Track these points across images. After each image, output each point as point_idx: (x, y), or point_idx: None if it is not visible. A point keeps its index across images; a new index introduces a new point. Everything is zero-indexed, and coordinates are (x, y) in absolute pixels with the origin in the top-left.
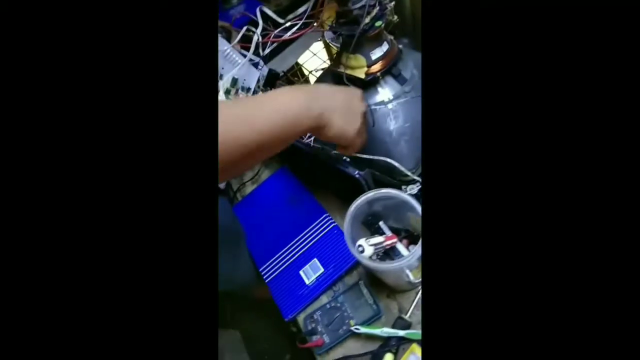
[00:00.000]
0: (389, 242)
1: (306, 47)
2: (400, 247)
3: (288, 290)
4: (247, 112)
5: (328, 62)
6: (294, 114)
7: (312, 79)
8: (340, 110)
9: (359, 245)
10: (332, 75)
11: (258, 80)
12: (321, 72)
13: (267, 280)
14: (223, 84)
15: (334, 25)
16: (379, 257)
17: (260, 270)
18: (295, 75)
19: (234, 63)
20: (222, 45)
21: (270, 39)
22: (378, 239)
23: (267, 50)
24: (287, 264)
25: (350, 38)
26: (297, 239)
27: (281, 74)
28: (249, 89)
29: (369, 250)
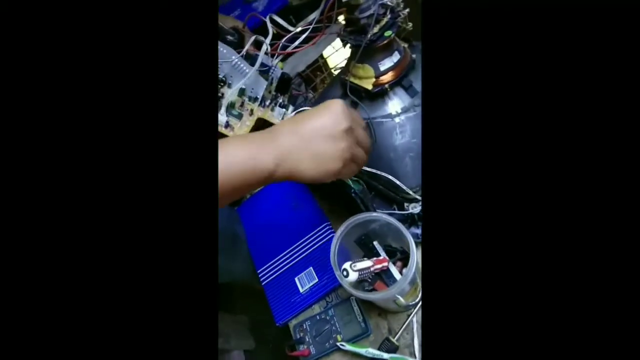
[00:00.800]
0: (377, 266)
1: (329, 42)
2: (393, 269)
3: (282, 296)
4: None
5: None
6: (240, 169)
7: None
8: (306, 151)
9: (344, 269)
10: (341, 83)
11: (271, 83)
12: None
13: (263, 283)
14: (228, 97)
15: (341, 33)
16: (369, 278)
17: (258, 272)
18: (319, 70)
19: (242, 72)
20: (230, 54)
21: (278, 50)
22: (365, 263)
23: (276, 61)
24: (284, 269)
25: (357, 47)
26: (296, 244)
27: (295, 76)
28: (256, 99)
29: (353, 276)
